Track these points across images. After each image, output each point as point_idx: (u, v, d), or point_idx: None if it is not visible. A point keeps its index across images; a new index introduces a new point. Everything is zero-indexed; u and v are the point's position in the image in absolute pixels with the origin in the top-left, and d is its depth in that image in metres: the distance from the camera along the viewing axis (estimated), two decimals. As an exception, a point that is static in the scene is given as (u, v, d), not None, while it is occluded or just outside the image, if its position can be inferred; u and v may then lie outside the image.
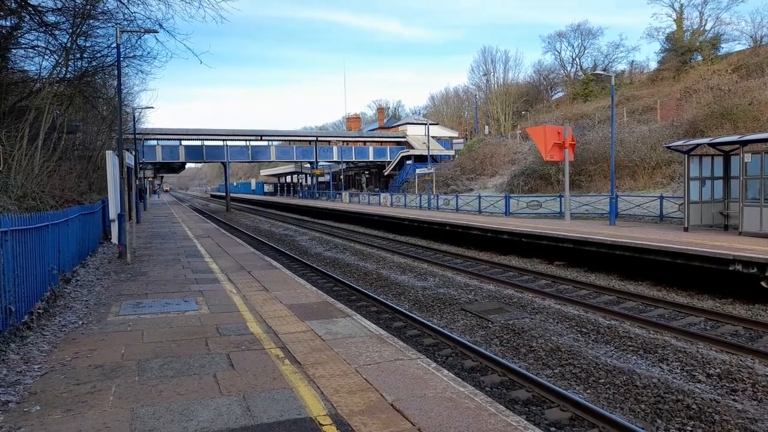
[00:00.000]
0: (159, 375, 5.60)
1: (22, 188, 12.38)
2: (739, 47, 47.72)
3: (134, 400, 4.92)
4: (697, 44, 47.67)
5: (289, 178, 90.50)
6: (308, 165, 63.81)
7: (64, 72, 16.80)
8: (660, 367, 7.66)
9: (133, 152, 24.22)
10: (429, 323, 9.87)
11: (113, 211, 14.36)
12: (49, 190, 14.54)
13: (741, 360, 7.75)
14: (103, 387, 5.26)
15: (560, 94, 66.20)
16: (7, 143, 12.62)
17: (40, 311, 7.81)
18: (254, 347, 6.54)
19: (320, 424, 4.40)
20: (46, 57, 16.84)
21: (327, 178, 68.22)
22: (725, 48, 48.34)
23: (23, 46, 16.24)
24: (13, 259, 6.75)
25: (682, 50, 48.28)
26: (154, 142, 51.09)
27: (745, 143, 14.61)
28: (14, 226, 6.83)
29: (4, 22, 15.16)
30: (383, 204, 41.08)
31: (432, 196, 35.12)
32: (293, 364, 5.89)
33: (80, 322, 7.78)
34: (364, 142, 62.55)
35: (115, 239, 14.86)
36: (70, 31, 15.98)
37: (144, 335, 7.12)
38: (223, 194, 68.21)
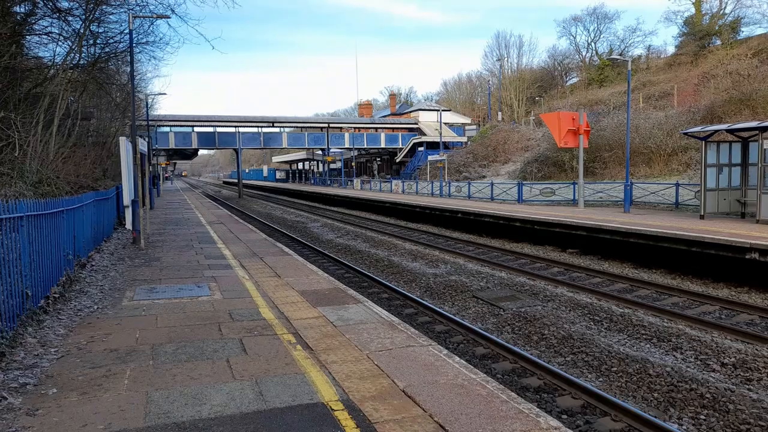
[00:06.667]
0: (173, 359, 5.66)
1: (38, 174, 12.51)
2: (760, 31, 46.41)
3: (148, 384, 4.99)
4: (716, 28, 46.55)
5: (300, 165, 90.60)
6: (320, 152, 63.70)
7: (77, 58, 16.85)
8: (674, 355, 7.60)
9: (147, 138, 24.33)
10: (440, 310, 9.87)
11: (127, 197, 14.46)
12: (64, 176, 14.68)
13: (757, 349, 7.66)
14: (118, 371, 5.33)
15: (575, 80, 65.20)
16: (22, 129, 12.71)
17: (56, 296, 7.91)
18: (266, 333, 6.59)
19: (332, 409, 4.42)
20: (60, 43, 16.94)
21: (339, 164, 68.24)
22: (745, 32, 47.12)
23: (37, 32, 16.30)
24: (29, 244, 6.83)
25: (701, 34, 47.21)
26: (167, 129, 51.32)
27: (764, 129, 14.34)
28: (30, 212, 6.90)
29: (18, 9, 15.22)
30: (395, 191, 40.99)
31: (444, 183, 34.98)
32: (305, 350, 5.92)
33: (95, 307, 7.88)
34: (376, 128, 62.30)
35: (129, 225, 15.00)
36: (83, 17, 16.01)
37: (158, 320, 7.20)
38: (236, 181, 68.50)
